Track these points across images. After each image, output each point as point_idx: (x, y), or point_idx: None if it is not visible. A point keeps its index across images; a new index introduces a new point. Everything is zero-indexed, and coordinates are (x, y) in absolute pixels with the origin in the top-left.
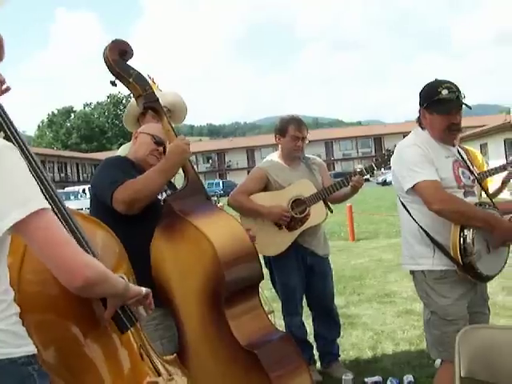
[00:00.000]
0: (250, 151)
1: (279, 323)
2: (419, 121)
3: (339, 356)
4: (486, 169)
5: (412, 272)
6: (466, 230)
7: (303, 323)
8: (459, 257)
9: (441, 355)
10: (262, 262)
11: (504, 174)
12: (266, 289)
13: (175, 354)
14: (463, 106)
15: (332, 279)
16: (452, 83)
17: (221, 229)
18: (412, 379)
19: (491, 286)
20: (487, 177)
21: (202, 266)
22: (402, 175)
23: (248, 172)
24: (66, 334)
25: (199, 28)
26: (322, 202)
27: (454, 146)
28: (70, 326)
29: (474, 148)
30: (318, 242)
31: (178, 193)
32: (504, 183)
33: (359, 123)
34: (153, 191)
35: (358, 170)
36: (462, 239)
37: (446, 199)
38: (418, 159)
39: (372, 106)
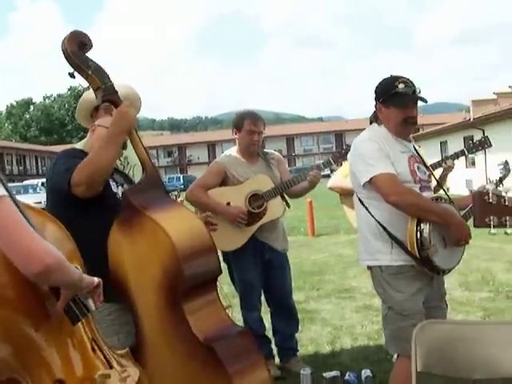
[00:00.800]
0: (212, 146)
1: (238, 318)
2: (376, 116)
3: (298, 351)
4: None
5: (369, 267)
6: (422, 224)
7: (261, 318)
8: (416, 250)
9: (397, 350)
10: (221, 257)
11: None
12: (225, 284)
13: (127, 348)
14: (419, 100)
15: (290, 274)
16: (408, 78)
17: (179, 223)
18: (370, 374)
19: (449, 282)
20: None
21: (160, 260)
22: (358, 169)
23: None
24: (16, 327)
25: (161, 20)
26: (279, 196)
27: (409, 141)
28: (19, 319)
29: (433, 145)
30: (276, 236)
31: (136, 186)
32: (441, 179)
33: (321, 119)
34: (107, 164)
35: (316, 164)
36: (418, 233)
37: (402, 192)
38: (373, 153)
39: (334, 102)
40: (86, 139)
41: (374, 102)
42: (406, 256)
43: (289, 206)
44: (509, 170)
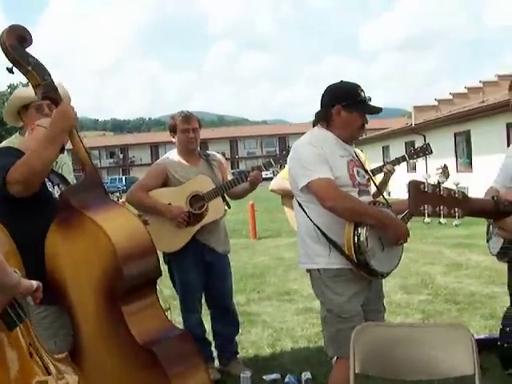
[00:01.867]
0: (154, 147)
1: (178, 320)
2: (320, 118)
3: (238, 354)
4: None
5: (308, 270)
6: (359, 228)
7: (202, 321)
8: (353, 254)
9: (336, 352)
10: (162, 258)
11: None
12: (165, 286)
13: (66, 353)
14: (374, 111)
15: (231, 277)
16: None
17: (119, 224)
18: (310, 376)
19: (388, 285)
20: None
21: (99, 262)
22: (296, 174)
23: None
24: None
25: (107, 19)
26: (220, 197)
27: (351, 144)
28: None
29: (375, 150)
30: (217, 238)
31: (75, 186)
32: (382, 184)
33: (265, 122)
34: (45, 163)
35: (257, 165)
36: (355, 237)
37: (338, 197)
38: (312, 158)
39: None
40: (12, 137)
41: (326, 104)
42: (343, 259)
43: (229, 207)
44: (448, 175)
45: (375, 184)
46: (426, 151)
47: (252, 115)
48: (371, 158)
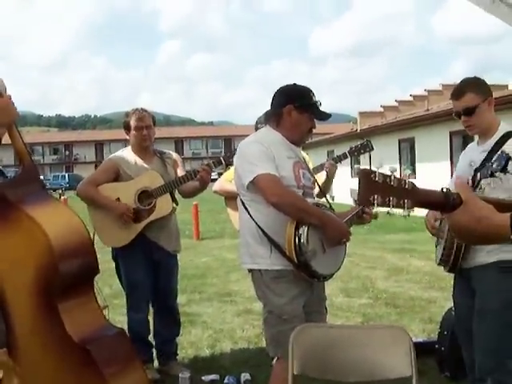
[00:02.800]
0: (99, 145)
1: (119, 320)
2: (269, 117)
3: (177, 355)
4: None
5: (250, 271)
6: (300, 229)
7: (148, 321)
8: (294, 255)
9: (276, 353)
10: (110, 254)
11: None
12: (105, 284)
13: (5, 349)
14: (324, 117)
15: (177, 277)
16: None
17: (56, 219)
18: (249, 377)
19: (330, 288)
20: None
21: (35, 257)
22: (242, 170)
23: (96, 166)
24: None
25: (54, 12)
26: (168, 194)
27: (300, 147)
28: None
29: (320, 154)
30: (167, 236)
31: (11, 180)
32: (325, 183)
33: (211, 123)
34: None
35: (206, 163)
36: (296, 237)
37: (283, 193)
38: (258, 154)
39: (226, 107)
40: None
41: (277, 103)
42: (284, 260)
43: (177, 204)
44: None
45: (319, 186)
46: (366, 148)
47: (199, 116)
48: (316, 162)
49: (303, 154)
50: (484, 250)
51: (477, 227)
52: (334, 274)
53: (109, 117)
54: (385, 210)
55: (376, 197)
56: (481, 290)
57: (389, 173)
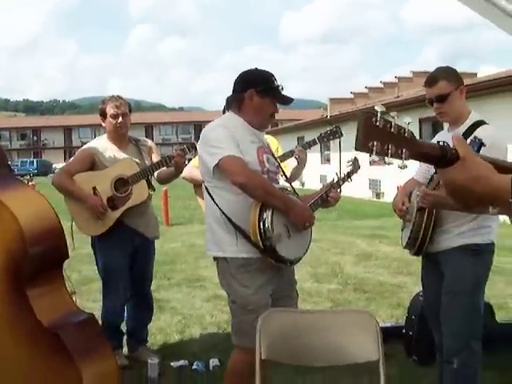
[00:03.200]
0: (68, 130)
1: (86, 305)
2: (232, 102)
3: (147, 341)
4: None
5: (216, 258)
6: (264, 214)
7: (122, 309)
8: (259, 240)
9: (239, 341)
10: (89, 242)
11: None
12: (73, 270)
13: None
14: (287, 102)
15: (153, 263)
16: None
17: (26, 204)
18: (218, 363)
19: (299, 274)
20: (280, 162)
21: (5, 242)
22: (207, 154)
23: (64, 152)
24: None
25: None
26: (144, 181)
27: (261, 131)
28: None
29: (290, 140)
30: (145, 223)
31: None
32: (296, 170)
33: (182, 109)
34: None
35: (181, 147)
36: (261, 222)
37: (250, 174)
38: (222, 138)
39: (196, 93)
40: None
41: (239, 88)
42: (250, 247)
43: (154, 190)
44: (358, 167)
45: (283, 172)
46: (336, 134)
47: (169, 101)
48: (286, 148)
49: (272, 139)
50: (451, 233)
51: (473, 187)
52: (301, 259)
53: (78, 102)
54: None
55: (375, 143)
56: (448, 274)
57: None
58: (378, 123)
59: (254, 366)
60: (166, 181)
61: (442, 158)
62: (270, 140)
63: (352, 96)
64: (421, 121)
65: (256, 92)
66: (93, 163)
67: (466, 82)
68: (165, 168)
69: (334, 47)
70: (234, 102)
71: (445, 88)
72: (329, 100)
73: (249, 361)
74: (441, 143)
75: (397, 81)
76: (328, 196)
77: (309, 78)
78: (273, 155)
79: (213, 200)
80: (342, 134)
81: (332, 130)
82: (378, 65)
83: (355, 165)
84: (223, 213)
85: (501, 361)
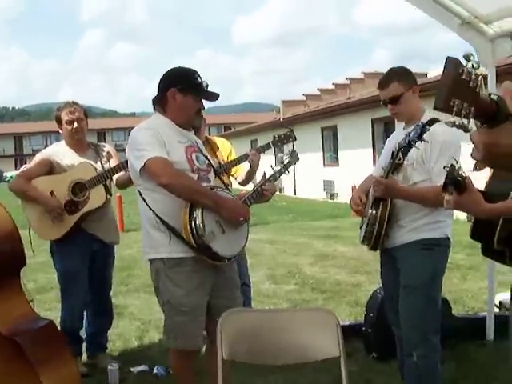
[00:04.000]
0: (18, 138)
1: (42, 314)
2: (158, 103)
3: (107, 348)
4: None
5: (151, 261)
6: (194, 213)
7: (82, 315)
8: (192, 239)
9: (172, 343)
10: (46, 249)
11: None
12: (29, 280)
13: None
14: (211, 98)
15: (112, 269)
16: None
17: None
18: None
19: (256, 276)
20: (234, 166)
21: None
22: (133, 157)
23: (15, 160)
24: None
25: None
26: (102, 185)
27: (190, 130)
28: None
29: (244, 143)
30: (104, 228)
31: None
32: (249, 173)
33: (134, 114)
34: None
35: None
36: (192, 221)
37: (175, 174)
38: (147, 140)
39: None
40: None
41: (162, 88)
42: (185, 247)
43: (110, 195)
44: (296, 159)
45: (214, 170)
46: (289, 138)
47: (121, 107)
48: (239, 151)
49: (225, 142)
50: (406, 228)
51: None
52: (238, 255)
53: (28, 109)
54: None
55: (456, 102)
56: (404, 268)
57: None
58: (463, 76)
59: (196, 367)
60: (124, 185)
61: (495, 115)
62: (223, 143)
63: (304, 98)
64: (373, 121)
65: (178, 90)
66: (51, 168)
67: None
68: (123, 172)
69: (286, 50)
70: (159, 103)
71: (397, 89)
72: (281, 102)
73: (189, 362)
74: (494, 97)
75: (348, 82)
76: (263, 189)
77: (261, 81)
78: (203, 153)
79: (145, 202)
80: (295, 137)
81: (286, 134)
82: (330, 67)
83: (293, 156)
84: (155, 214)
85: (458, 353)
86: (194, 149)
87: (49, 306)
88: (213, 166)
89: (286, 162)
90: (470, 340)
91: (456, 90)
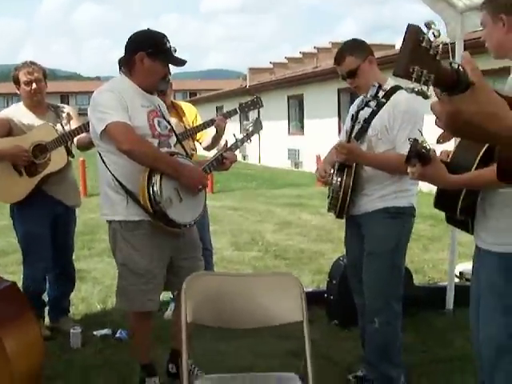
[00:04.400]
0: None
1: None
2: (124, 65)
3: (69, 311)
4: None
5: (109, 222)
6: (153, 178)
7: (44, 278)
8: (149, 204)
9: (125, 305)
10: (5, 212)
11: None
12: None
13: None
14: (179, 64)
15: (74, 232)
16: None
17: None
18: None
19: (220, 242)
20: (200, 130)
21: None
22: (95, 119)
23: None
24: None
25: None
26: (63, 147)
27: (154, 94)
28: None
29: (209, 110)
30: (65, 191)
31: None
32: (215, 139)
33: (98, 78)
34: None
35: None
36: (150, 187)
37: (136, 140)
38: (110, 103)
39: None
40: None
41: (129, 50)
42: (141, 211)
43: (73, 157)
44: (260, 127)
45: (176, 135)
46: (256, 104)
47: (85, 71)
48: (205, 117)
49: (191, 107)
50: (371, 196)
51: (483, 124)
52: (195, 222)
53: None
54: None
55: (416, 68)
56: (369, 235)
57: None
58: (424, 43)
59: (151, 330)
60: (85, 147)
61: (458, 82)
62: (189, 108)
63: (271, 66)
64: (339, 91)
65: (147, 54)
66: (9, 129)
67: (385, 53)
68: (84, 134)
69: (254, 17)
70: (125, 65)
71: (352, 63)
72: (248, 70)
73: (147, 324)
74: (454, 66)
75: (316, 51)
76: (224, 158)
77: (229, 48)
78: (165, 119)
79: (104, 164)
80: (262, 104)
81: (253, 101)
82: (298, 36)
83: (256, 125)
84: (114, 176)
85: (418, 322)
86: (157, 113)
87: (10, 270)
88: (174, 132)
89: (249, 130)
90: (431, 309)
91: (415, 56)
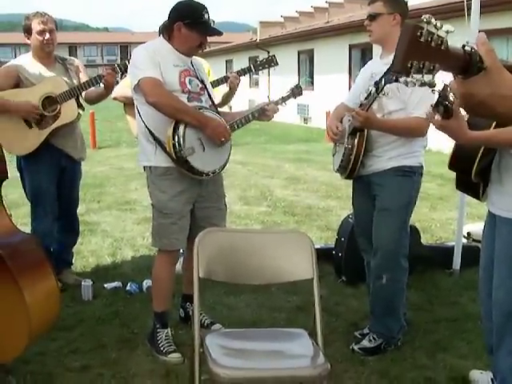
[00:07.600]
0: None
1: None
2: (164, 29)
3: (72, 264)
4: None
5: (144, 168)
6: (178, 128)
7: (51, 230)
8: (173, 152)
9: (157, 244)
10: (15, 163)
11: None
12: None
13: None
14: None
15: (79, 185)
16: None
17: None
18: (151, 284)
19: (228, 197)
20: (213, 87)
21: None
22: (132, 74)
23: None
24: None
25: None
26: (74, 100)
27: (190, 57)
28: None
29: (219, 63)
30: (73, 144)
31: None
32: (227, 95)
33: (106, 29)
34: None
35: (111, 67)
36: (175, 136)
37: (162, 94)
38: (143, 59)
39: (122, 13)
40: None
41: (170, 18)
42: (168, 158)
43: (83, 110)
44: (299, 94)
45: (209, 95)
46: (271, 63)
47: (93, 21)
48: (214, 71)
49: (204, 61)
50: (381, 157)
51: (496, 106)
52: (218, 172)
53: None
54: None
55: (414, 63)
56: (381, 193)
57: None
58: (422, 38)
59: (173, 276)
60: (94, 101)
61: (469, 65)
62: (203, 63)
63: (282, 20)
64: (350, 47)
65: (184, 25)
66: (17, 81)
67: None
68: (93, 88)
69: None
70: (165, 31)
71: (378, 8)
72: (259, 23)
73: (170, 264)
74: (468, 49)
75: (328, 6)
76: (265, 110)
77: (239, 0)
78: (198, 78)
79: (139, 114)
80: (277, 62)
81: (268, 59)
82: None
83: (295, 92)
84: (146, 126)
85: (424, 280)
86: (189, 73)
87: (23, 221)
88: (207, 90)
89: (284, 94)
90: (437, 268)
91: (412, 52)
